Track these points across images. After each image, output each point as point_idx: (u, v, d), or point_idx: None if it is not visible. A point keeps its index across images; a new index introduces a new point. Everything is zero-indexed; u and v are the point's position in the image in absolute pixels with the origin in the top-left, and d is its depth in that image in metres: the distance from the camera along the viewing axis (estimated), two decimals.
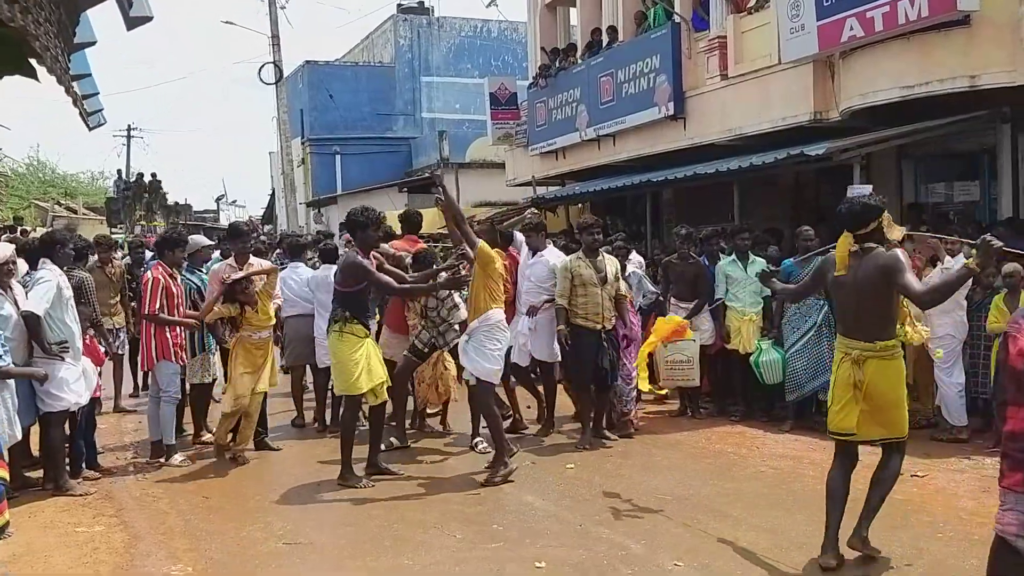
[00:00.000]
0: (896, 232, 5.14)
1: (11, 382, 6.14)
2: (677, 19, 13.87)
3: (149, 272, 7.66)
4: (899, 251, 4.97)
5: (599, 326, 7.80)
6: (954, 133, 10.28)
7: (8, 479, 5.85)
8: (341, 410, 7.48)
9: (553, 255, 8.35)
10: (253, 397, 7.60)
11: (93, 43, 4.48)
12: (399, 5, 33.93)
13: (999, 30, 8.86)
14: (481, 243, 6.91)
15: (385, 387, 6.98)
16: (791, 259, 8.78)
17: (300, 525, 5.91)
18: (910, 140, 10.49)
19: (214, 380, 8.48)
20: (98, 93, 6.48)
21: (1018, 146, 10.07)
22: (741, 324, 8.94)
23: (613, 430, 8.24)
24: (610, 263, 8.00)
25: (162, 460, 7.63)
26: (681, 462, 7.44)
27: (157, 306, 7.47)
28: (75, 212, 35.07)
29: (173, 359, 7.65)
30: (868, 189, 9.76)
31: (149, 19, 3.87)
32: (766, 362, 8.57)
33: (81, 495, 6.70)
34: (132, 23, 3.74)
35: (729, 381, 9.32)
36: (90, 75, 5.90)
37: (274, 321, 7.92)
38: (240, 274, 7.63)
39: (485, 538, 5.54)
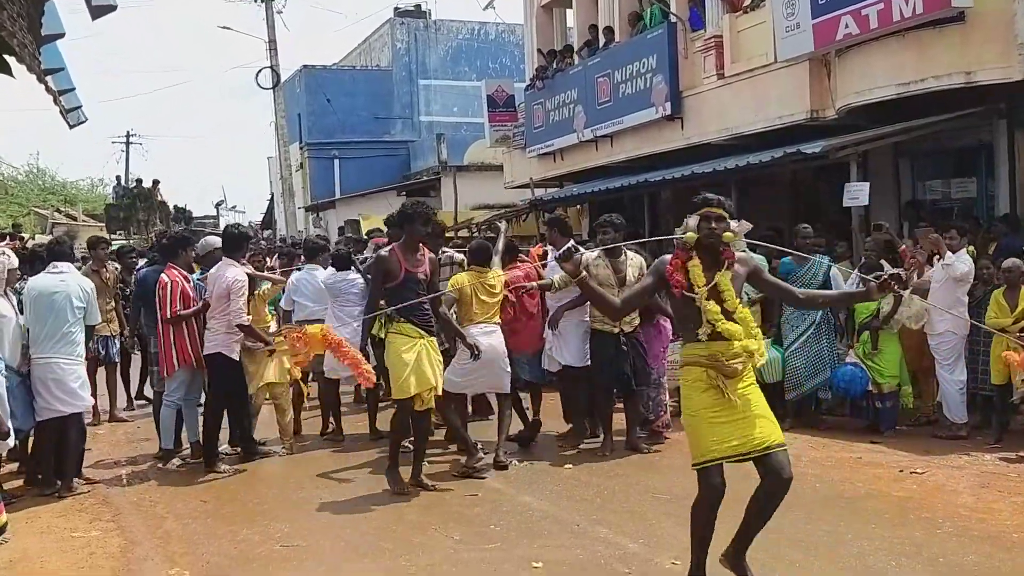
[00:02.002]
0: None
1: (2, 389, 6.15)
2: (673, 19, 13.87)
3: (164, 275, 7.48)
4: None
5: (616, 329, 7.49)
6: (950, 130, 10.28)
7: None
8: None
9: None
10: (272, 388, 7.92)
11: (62, 35, 4.43)
12: (396, 9, 33.93)
13: (994, 26, 8.88)
14: (454, 277, 7.47)
15: (433, 395, 6.69)
16: (788, 257, 8.77)
17: (298, 528, 5.89)
18: (907, 137, 10.49)
19: None
20: (74, 89, 6.41)
21: (1015, 142, 10.07)
22: None
23: (646, 439, 7.90)
24: (631, 263, 7.64)
25: (160, 465, 7.64)
26: (678, 461, 7.36)
27: (178, 308, 7.41)
28: (75, 219, 34.97)
29: (195, 365, 7.56)
30: (865, 187, 9.79)
31: (113, 8, 3.82)
32: (765, 361, 8.53)
33: (86, 491, 6.90)
34: (96, 12, 3.70)
35: None
36: (64, 69, 5.81)
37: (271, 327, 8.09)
38: (250, 271, 7.75)
39: (483, 539, 5.52)
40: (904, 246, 8.70)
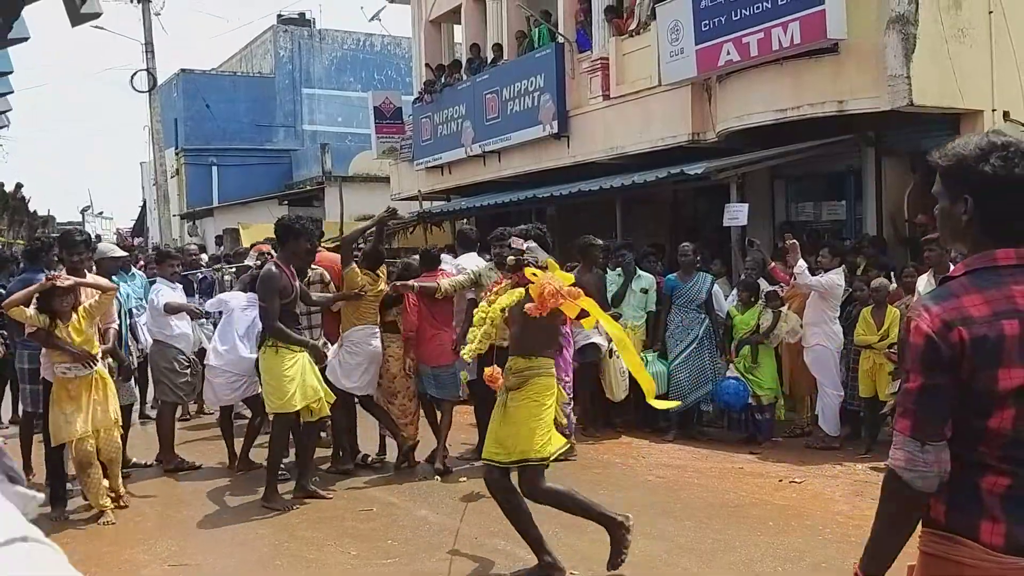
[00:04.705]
0: None
1: None
2: (561, 39, 14.13)
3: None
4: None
5: (506, 342, 7.57)
6: (823, 155, 10.83)
7: None
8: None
9: (466, 262, 8.19)
10: (101, 437, 6.38)
11: (26, 39, 4.31)
12: (279, 16, 33.37)
13: (865, 58, 9.41)
14: (350, 266, 7.36)
15: (325, 404, 6.67)
16: (674, 274, 9.07)
17: (186, 547, 5.72)
18: (782, 161, 10.98)
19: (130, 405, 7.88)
20: (12, 92, 6.17)
21: (882, 168, 10.69)
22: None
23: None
24: None
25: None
26: (570, 472, 7.50)
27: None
28: None
29: None
30: (744, 207, 10.21)
31: (99, 15, 3.75)
32: (651, 373, 8.75)
33: None
34: (80, 19, 3.62)
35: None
36: (10, 73, 5.64)
37: (97, 350, 6.42)
38: (70, 280, 6.29)
39: (380, 554, 5.48)
40: (774, 264, 9.12)
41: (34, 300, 6.22)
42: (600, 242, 9.13)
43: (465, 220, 17.56)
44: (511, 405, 5.04)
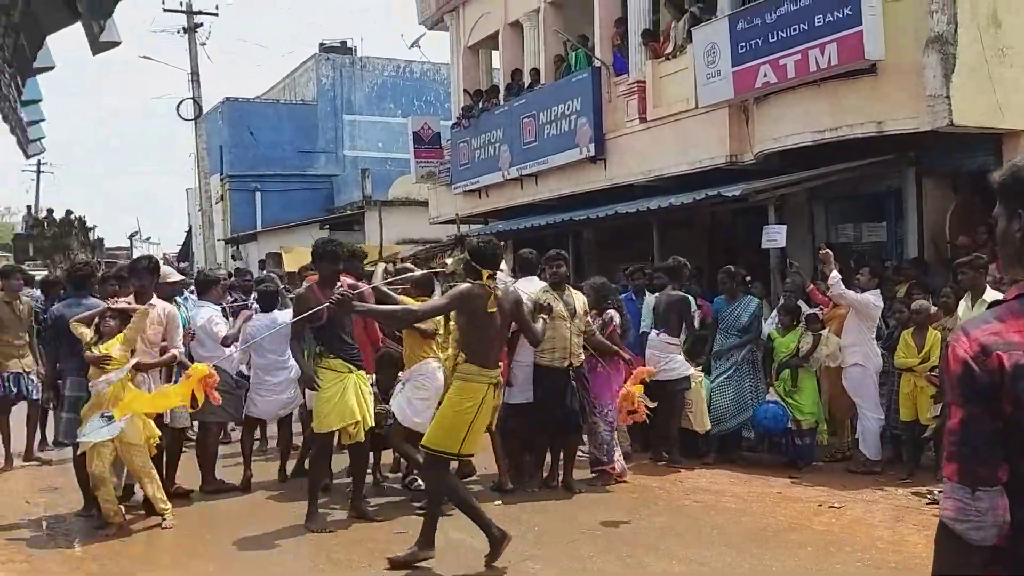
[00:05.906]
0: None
1: None
2: (597, 63, 14.19)
3: None
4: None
5: (566, 363, 7.43)
6: (862, 176, 10.73)
7: None
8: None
9: (526, 286, 7.90)
10: (123, 448, 6.46)
11: (51, 68, 4.47)
12: (321, 44, 33.92)
13: (903, 78, 9.32)
14: (402, 299, 7.17)
15: (362, 429, 6.60)
16: (720, 297, 8.98)
17: (224, 568, 5.76)
18: (821, 182, 10.88)
19: None
20: (44, 120, 6.38)
21: (922, 188, 10.54)
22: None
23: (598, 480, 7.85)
24: (577, 298, 7.73)
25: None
26: (607, 496, 7.48)
27: None
28: None
29: None
30: (783, 229, 10.13)
31: (117, 44, 3.87)
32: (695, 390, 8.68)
33: None
34: (100, 47, 3.74)
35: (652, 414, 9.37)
36: (40, 100, 5.84)
37: (127, 363, 6.45)
38: (121, 305, 6.66)
39: None
40: (812, 286, 9.04)
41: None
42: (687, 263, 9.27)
43: (502, 243, 17.65)
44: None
